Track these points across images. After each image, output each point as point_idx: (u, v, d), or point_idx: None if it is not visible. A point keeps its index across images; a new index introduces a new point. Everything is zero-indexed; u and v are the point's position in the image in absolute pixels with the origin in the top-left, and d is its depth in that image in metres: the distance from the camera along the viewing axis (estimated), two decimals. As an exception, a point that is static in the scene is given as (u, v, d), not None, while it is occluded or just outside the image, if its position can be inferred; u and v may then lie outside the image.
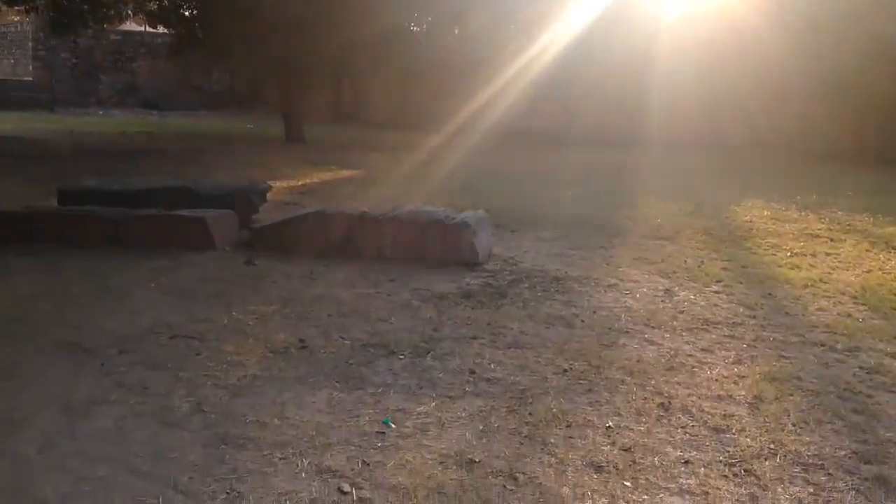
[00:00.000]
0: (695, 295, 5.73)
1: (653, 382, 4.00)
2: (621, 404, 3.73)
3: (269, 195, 8.50)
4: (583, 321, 5.02)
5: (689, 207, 9.77)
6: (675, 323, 5.03)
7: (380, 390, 3.84)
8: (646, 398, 3.80)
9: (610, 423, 3.52)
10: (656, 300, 5.56)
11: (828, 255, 7.28)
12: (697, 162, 15.26)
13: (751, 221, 8.98)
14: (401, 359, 4.28)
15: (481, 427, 3.47)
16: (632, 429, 3.47)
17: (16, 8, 18.88)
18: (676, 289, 5.88)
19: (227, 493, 2.86)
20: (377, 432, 3.39)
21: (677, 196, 10.78)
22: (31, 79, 24.93)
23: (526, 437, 3.38)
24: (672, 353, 4.46)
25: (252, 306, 5.12)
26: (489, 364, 4.22)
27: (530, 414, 3.60)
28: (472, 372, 4.10)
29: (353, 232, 6.52)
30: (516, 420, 3.54)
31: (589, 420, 3.56)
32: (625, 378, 4.05)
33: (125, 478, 2.93)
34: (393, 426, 3.45)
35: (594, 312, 5.21)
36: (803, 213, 9.48)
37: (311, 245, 6.53)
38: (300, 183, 11.16)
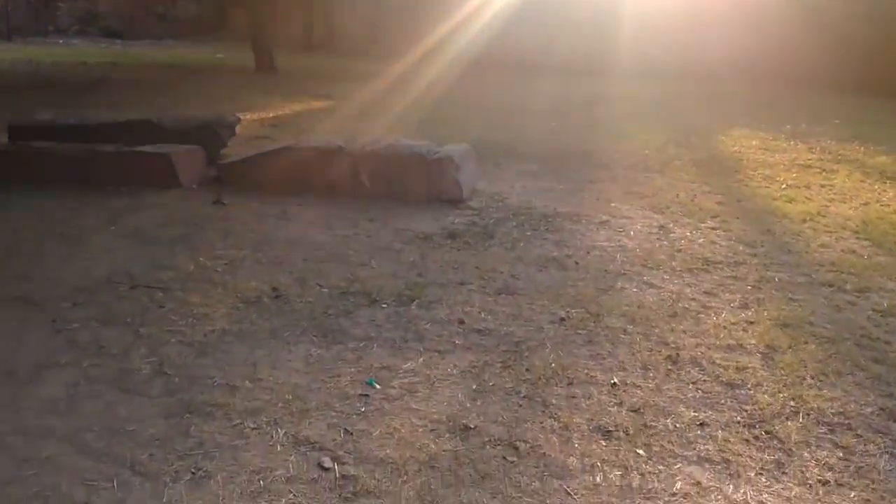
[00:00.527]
0: (691, 232, 5.39)
1: (657, 331, 3.67)
2: (625, 357, 3.40)
3: (238, 128, 7.98)
4: (576, 263, 4.67)
5: (676, 137, 9.37)
6: (673, 263, 4.69)
7: (362, 344, 3.48)
8: (651, 350, 3.47)
9: (615, 380, 3.19)
10: (651, 238, 5.22)
11: (822, 186, 6.96)
12: (679, 90, 14.79)
13: (740, 152, 8.61)
14: (384, 308, 3.91)
15: (475, 386, 3.12)
16: (639, 386, 3.15)
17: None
18: (671, 225, 5.53)
19: (193, 472, 2.50)
20: (360, 395, 3.03)
21: (662, 126, 10.37)
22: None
23: (524, 397, 3.05)
24: (674, 297, 4.13)
25: (221, 251, 4.70)
26: (479, 313, 3.87)
27: (527, 370, 3.26)
28: (462, 322, 3.75)
29: (327, 167, 6.06)
30: (512, 377, 3.20)
31: (592, 376, 3.23)
32: (626, 327, 3.72)
33: (74, 457, 2.56)
34: (377, 387, 3.10)
35: (588, 253, 4.86)
36: (792, 143, 9.12)
37: (284, 182, 6.07)
38: (271, 115, 10.58)
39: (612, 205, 6.10)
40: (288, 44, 20.47)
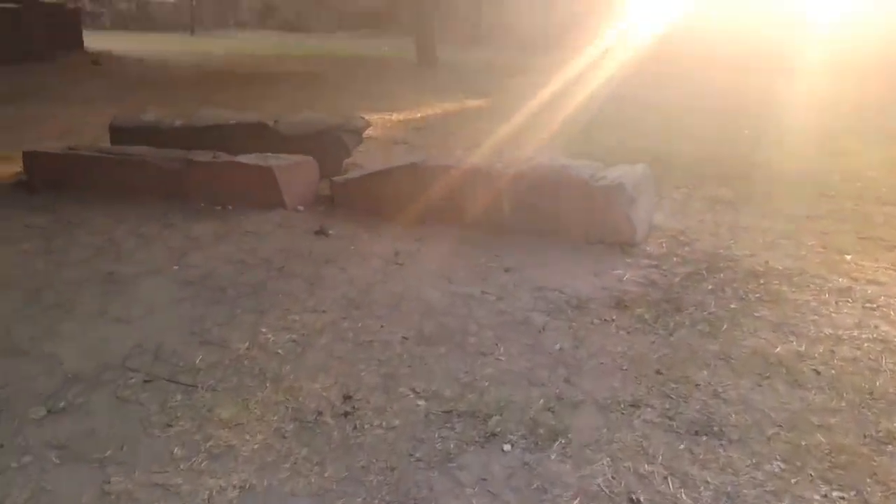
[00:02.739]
0: None
1: None
2: None
3: (376, 131, 6.64)
4: (817, 372, 2.85)
5: (910, 155, 7.08)
6: (984, 385, 2.77)
7: (458, 544, 1.92)
8: None
9: None
10: (928, 326, 3.28)
11: None
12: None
13: None
14: (505, 451, 2.32)
15: None
16: None
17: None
18: (952, 302, 3.56)
19: None
20: None
21: (886, 138, 8.03)
22: (172, 1, 24.03)
23: None
24: None
25: (296, 314, 3.28)
26: (665, 478, 2.18)
27: None
28: (636, 501, 2.09)
29: (459, 192, 4.51)
30: None
31: None
32: (948, 552, 1.92)
33: None
34: None
35: (832, 352, 3.01)
36: None
37: (405, 207, 4.61)
38: (419, 115, 9.18)
39: (848, 258, 4.16)
40: (455, 37, 19.19)
